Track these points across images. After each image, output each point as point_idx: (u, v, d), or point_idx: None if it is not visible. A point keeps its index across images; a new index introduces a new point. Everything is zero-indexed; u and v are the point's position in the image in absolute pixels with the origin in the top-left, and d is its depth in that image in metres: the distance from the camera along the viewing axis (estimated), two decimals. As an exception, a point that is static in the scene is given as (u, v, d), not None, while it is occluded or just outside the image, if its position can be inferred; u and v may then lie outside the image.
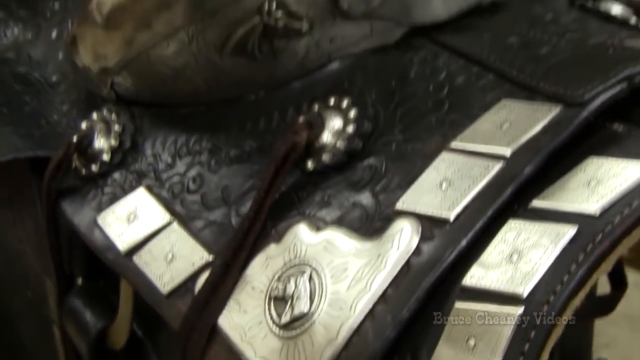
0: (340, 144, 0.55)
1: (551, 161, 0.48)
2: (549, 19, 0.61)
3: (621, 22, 0.62)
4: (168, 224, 0.59)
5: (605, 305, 0.64)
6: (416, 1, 0.58)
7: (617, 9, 0.63)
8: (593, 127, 0.50)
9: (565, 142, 0.48)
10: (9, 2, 0.78)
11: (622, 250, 0.45)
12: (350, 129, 0.55)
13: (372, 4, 0.56)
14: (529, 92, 0.52)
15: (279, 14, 0.55)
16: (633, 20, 0.62)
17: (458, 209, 0.48)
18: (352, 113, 0.55)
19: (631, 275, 0.72)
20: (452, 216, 0.48)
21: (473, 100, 0.54)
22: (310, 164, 0.55)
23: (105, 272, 0.65)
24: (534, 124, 0.49)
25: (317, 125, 0.55)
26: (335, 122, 0.55)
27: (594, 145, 0.49)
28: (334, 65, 0.59)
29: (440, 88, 0.55)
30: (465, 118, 0.53)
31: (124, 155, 0.64)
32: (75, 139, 0.64)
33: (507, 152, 0.49)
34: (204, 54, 0.57)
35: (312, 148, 0.55)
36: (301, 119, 0.56)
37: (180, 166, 0.61)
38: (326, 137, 0.55)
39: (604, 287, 0.64)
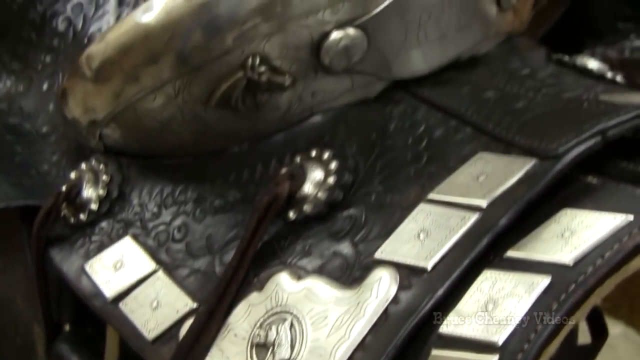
0: (321, 195, 0.56)
1: (526, 212, 0.50)
2: (526, 73, 0.63)
3: (597, 77, 0.64)
4: (153, 272, 0.60)
5: (585, 355, 0.65)
6: (396, 57, 0.59)
7: (593, 64, 0.65)
8: (568, 179, 0.52)
9: (540, 193, 0.50)
10: (1, 55, 0.79)
11: (595, 299, 0.46)
12: (331, 180, 0.56)
13: (353, 60, 0.57)
14: (505, 145, 0.54)
15: (262, 69, 0.56)
16: (609, 74, 0.64)
17: (435, 258, 0.49)
18: (333, 165, 0.57)
19: (619, 327, 0.73)
20: (429, 265, 0.49)
21: (451, 152, 0.55)
22: (292, 214, 0.56)
23: (93, 319, 0.66)
24: (509, 176, 0.51)
25: (299, 177, 0.56)
26: (316, 174, 0.57)
27: (569, 197, 0.51)
28: (316, 119, 0.61)
29: (419, 141, 0.57)
30: (442, 170, 0.54)
31: (111, 204, 0.65)
32: (64, 188, 0.66)
33: (483, 203, 0.50)
34: (189, 107, 0.58)
35: (294, 199, 0.56)
36: (284, 170, 0.58)
37: (166, 215, 0.62)
38: (307, 188, 0.56)
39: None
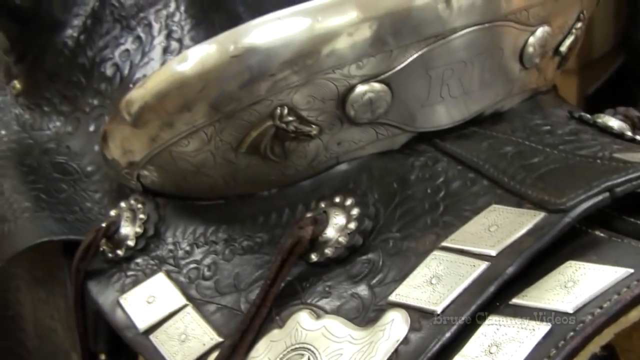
0: (342, 239, 0.59)
1: (534, 262, 0.52)
2: (546, 129, 0.65)
3: (617, 135, 0.66)
4: (183, 307, 0.64)
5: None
6: (419, 111, 0.63)
7: (614, 122, 0.68)
8: (576, 232, 0.54)
9: (548, 245, 0.52)
10: (53, 98, 0.84)
11: (593, 348, 0.48)
12: (352, 225, 0.59)
13: (377, 112, 0.61)
14: (518, 199, 0.56)
15: (290, 118, 0.60)
16: (629, 133, 0.67)
17: (445, 302, 0.52)
18: (355, 211, 0.60)
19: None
20: (439, 309, 0.52)
21: (466, 203, 0.58)
22: (314, 257, 0.59)
23: (127, 350, 0.69)
24: (519, 228, 0.53)
25: (322, 222, 0.60)
26: (338, 219, 0.60)
27: (575, 250, 0.53)
28: (342, 167, 0.64)
29: (437, 191, 0.60)
30: (457, 220, 0.57)
31: (147, 241, 0.69)
32: (104, 225, 0.70)
33: (492, 252, 0.53)
34: (221, 152, 0.62)
35: (317, 242, 0.59)
36: (308, 215, 0.61)
37: (198, 254, 0.66)
38: (330, 232, 0.60)
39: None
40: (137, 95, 0.61)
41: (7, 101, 0.90)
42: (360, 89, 0.60)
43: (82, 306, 0.71)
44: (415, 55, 0.60)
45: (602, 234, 0.54)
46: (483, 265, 0.53)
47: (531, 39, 0.65)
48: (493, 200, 0.57)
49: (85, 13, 0.84)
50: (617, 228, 0.55)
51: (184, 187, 0.67)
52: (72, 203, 0.78)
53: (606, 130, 0.67)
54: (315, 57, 0.58)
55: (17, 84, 0.89)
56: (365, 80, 0.59)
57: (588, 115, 0.68)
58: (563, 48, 0.69)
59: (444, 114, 0.64)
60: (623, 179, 0.54)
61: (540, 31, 0.65)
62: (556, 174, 0.57)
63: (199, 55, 0.58)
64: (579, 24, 0.69)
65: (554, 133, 0.65)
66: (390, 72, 0.60)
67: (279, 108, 0.59)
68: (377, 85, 0.60)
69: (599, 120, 0.68)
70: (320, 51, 0.57)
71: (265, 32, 0.57)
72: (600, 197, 0.53)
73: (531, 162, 0.60)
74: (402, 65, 0.60)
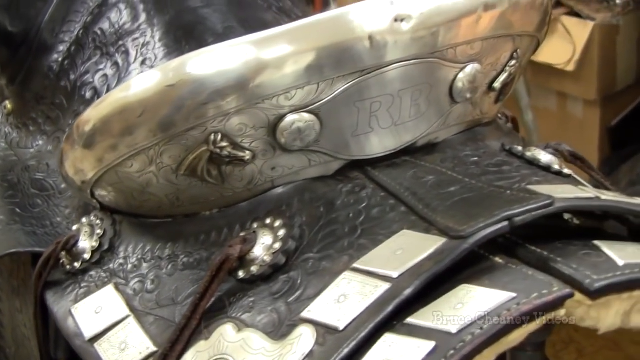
0: (267, 258, 0.63)
1: (435, 284, 0.56)
2: (473, 160, 0.69)
3: (542, 167, 0.70)
4: (126, 317, 0.68)
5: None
6: (351, 140, 0.67)
7: (543, 156, 0.71)
8: (478, 257, 0.58)
9: (446, 269, 0.56)
10: (38, 118, 0.90)
11: (476, 366, 0.52)
12: (277, 246, 0.64)
13: (307, 140, 0.65)
14: (428, 225, 0.60)
15: (224, 144, 0.64)
16: (555, 166, 0.70)
17: (347, 320, 0.56)
18: (281, 232, 0.64)
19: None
20: (342, 326, 0.56)
21: (382, 228, 0.62)
22: (241, 274, 0.64)
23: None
24: (421, 252, 0.57)
25: (250, 241, 0.64)
26: (266, 239, 0.64)
27: (473, 274, 0.57)
28: (278, 190, 0.68)
29: (358, 216, 0.64)
30: (371, 243, 0.61)
31: (101, 255, 0.74)
32: (64, 239, 0.75)
33: (394, 274, 0.56)
34: (163, 174, 0.66)
35: (245, 260, 0.64)
36: (242, 234, 0.65)
37: (144, 268, 0.71)
38: (257, 251, 0.64)
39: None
40: (87, 118, 0.66)
41: (-1, 120, 0.96)
42: (290, 118, 0.64)
43: (41, 314, 0.76)
44: (342, 88, 0.64)
45: (500, 261, 0.58)
46: (385, 286, 0.56)
47: (460, 75, 0.68)
48: (406, 225, 0.61)
49: (70, 40, 0.90)
50: (519, 255, 0.58)
51: (134, 205, 0.72)
52: (44, 217, 0.83)
53: (533, 163, 0.70)
54: (245, 88, 0.62)
55: (8, 104, 0.95)
56: (295, 110, 0.64)
57: (519, 148, 0.72)
58: (497, 84, 0.72)
59: (376, 144, 0.68)
60: (523, 209, 0.58)
61: (470, 68, 0.68)
62: (467, 203, 0.61)
63: (141, 84, 0.63)
64: (513, 62, 0.72)
65: (480, 164, 0.68)
66: (318, 103, 0.64)
67: (212, 134, 0.64)
68: (306, 116, 0.64)
69: (528, 154, 0.71)
70: (251, 82, 0.62)
71: (199, 63, 0.62)
72: (499, 226, 0.57)
73: (448, 190, 0.63)
74: (329, 97, 0.64)
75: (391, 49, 0.64)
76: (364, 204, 0.65)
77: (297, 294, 0.61)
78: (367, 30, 0.63)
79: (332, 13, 0.64)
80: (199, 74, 0.62)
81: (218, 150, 0.64)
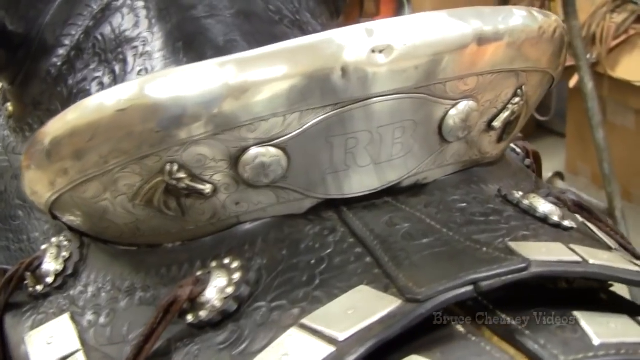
0: (217, 303, 0.58)
1: (386, 350, 0.50)
2: (460, 207, 0.63)
3: (539, 218, 0.63)
4: (75, 352, 0.63)
5: None
6: (324, 177, 0.61)
7: (543, 205, 0.64)
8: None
9: (397, 335, 0.50)
10: (34, 124, 0.85)
11: None
12: (230, 290, 0.58)
13: (272, 176, 0.59)
14: (389, 282, 0.54)
15: (181, 175, 0.59)
16: (555, 218, 0.63)
17: (283, 383, 0.51)
18: (236, 275, 0.59)
19: None
20: (277, 388, 0.50)
21: (340, 280, 0.56)
22: (190, 318, 0.58)
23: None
24: (373, 314, 0.51)
25: (203, 282, 0.59)
26: (219, 282, 0.59)
27: (427, 343, 0.51)
28: (244, 227, 0.62)
29: (320, 264, 0.58)
30: (326, 296, 0.55)
31: (64, 280, 0.69)
32: (28, 260, 0.70)
33: (340, 337, 0.51)
34: (119, 202, 0.61)
35: (196, 303, 0.58)
36: (199, 273, 0.60)
37: (102, 300, 0.66)
38: (209, 294, 0.58)
39: None
40: (42, 135, 0.61)
41: (0, 122, 0.93)
42: (254, 151, 0.58)
43: (2, 337, 0.72)
44: (312, 122, 0.58)
45: (461, 329, 0.52)
46: (329, 349, 0.51)
47: (452, 112, 0.62)
48: (366, 280, 0.55)
49: (70, 44, 0.85)
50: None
51: (97, 230, 0.67)
52: (22, 231, 0.79)
53: (529, 213, 0.64)
54: (202, 118, 0.56)
55: (9, 107, 0.92)
56: (260, 143, 0.58)
57: (516, 195, 0.65)
58: (497, 123, 0.66)
59: (354, 183, 0.62)
60: (492, 272, 0.52)
61: (463, 105, 0.62)
62: (436, 258, 0.55)
63: (92, 105, 0.58)
64: (517, 99, 0.65)
65: (466, 212, 0.62)
66: (285, 137, 0.58)
67: (168, 164, 0.58)
68: (272, 150, 0.58)
69: (525, 202, 0.64)
70: (209, 112, 0.56)
71: (154, 87, 0.57)
72: (462, 290, 0.51)
73: (420, 242, 0.57)
74: (298, 131, 0.58)
75: (368, 82, 0.57)
76: (328, 250, 0.59)
77: (242, 347, 0.55)
78: (341, 60, 0.56)
79: (304, 39, 0.58)
80: (152, 100, 0.56)
81: (174, 182, 0.59)
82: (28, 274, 0.71)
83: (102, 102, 0.58)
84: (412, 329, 0.51)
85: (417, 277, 0.53)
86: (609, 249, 0.67)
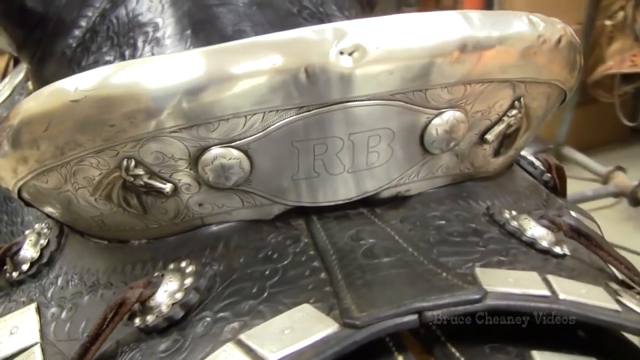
0: (165, 309, 0.55)
1: None
2: (438, 224, 0.59)
3: (525, 242, 0.58)
4: (33, 345, 0.62)
5: None
6: (292, 183, 0.57)
7: (534, 229, 0.60)
8: (384, 349, 0.48)
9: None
10: None
11: None
12: (179, 296, 0.55)
13: (233, 179, 0.56)
14: (335, 302, 0.50)
15: (139, 172, 0.56)
16: (544, 243, 0.59)
17: (209, 403, 0.48)
18: (188, 281, 0.56)
19: None
20: (203, 408, 0.47)
21: (287, 296, 0.53)
22: (137, 321, 0.56)
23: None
24: (308, 337, 0.48)
25: (154, 285, 0.56)
26: (170, 286, 0.56)
27: (364, 373, 0.47)
28: (209, 229, 0.60)
29: (273, 275, 0.55)
30: (269, 312, 0.52)
31: (38, 269, 0.67)
32: (6, 245, 0.69)
33: (271, 358, 0.47)
34: (80, 194, 0.59)
35: (146, 306, 0.56)
36: (155, 274, 0.57)
37: (68, 292, 0.64)
38: (159, 298, 0.56)
39: None
40: (5, 123, 0.59)
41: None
42: (213, 152, 0.55)
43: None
44: (276, 125, 0.55)
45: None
46: None
47: (435, 121, 0.58)
48: (314, 297, 0.52)
49: (87, 25, 0.84)
50: (435, 354, 0.48)
51: (69, 220, 0.65)
52: (17, 213, 0.78)
53: (514, 235, 0.59)
54: (157, 114, 0.54)
55: (29, 85, 0.91)
56: (221, 144, 0.55)
57: (505, 215, 0.61)
58: (489, 136, 0.61)
59: (327, 190, 0.59)
60: (440, 302, 0.47)
61: (448, 115, 0.58)
62: (389, 281, 0.51)
63: (50, 94, 0.56)
64: (514, 112, 0.61)
65: (443, 230, 0.58)
66: (247, 139, 0.55)
67: (125, 160, 0.56)
68: (234, 152, 0.55)
69: (513, 223, 0.60)
70: (164, 108, 0.53)
71: (109, 79, 0.54)
72: (405, 319, 0.47)
73: (380, 260, 0.53)
74: (260, 134, 0.55)
75: (336, 86, 0.54)
76: (285, 262, 0.56)
77: (181, 357, 0.52)
78: (306, 60, 0.53)
79: (272, 36, 0.54)
80: (107, 92, 0.54)
81: (132, 179, 0.56)
82: (7, 259, 0.69)
83: (61, 89, 0.55)
84: (353, 354, 0.47)
85: (362, 300, 0.49)
86: (613, 279, 0.62)
